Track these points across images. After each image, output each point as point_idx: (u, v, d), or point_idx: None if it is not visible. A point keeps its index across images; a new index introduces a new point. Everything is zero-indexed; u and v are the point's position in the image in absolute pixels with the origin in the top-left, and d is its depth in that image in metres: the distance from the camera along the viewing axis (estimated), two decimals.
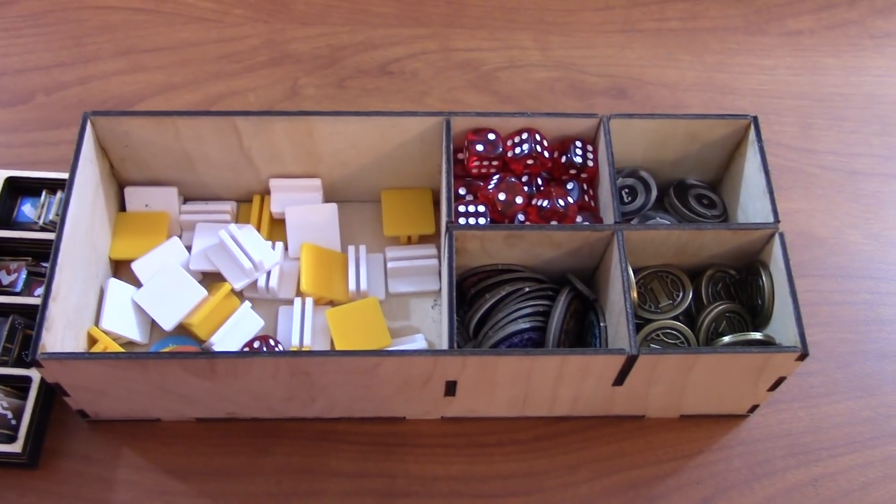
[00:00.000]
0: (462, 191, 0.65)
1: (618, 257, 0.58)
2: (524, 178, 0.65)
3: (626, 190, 0.69)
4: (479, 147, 0.64)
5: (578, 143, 0.64)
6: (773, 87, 0.82)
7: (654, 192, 0.68)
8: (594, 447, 0.64)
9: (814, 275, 0.73)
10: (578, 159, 0.64)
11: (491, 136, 0.64)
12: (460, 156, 0.65)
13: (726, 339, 0.60)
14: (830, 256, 0.73)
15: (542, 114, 0.64)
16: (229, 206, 0.70)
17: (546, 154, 0.64)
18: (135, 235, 0.68)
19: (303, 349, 0.64)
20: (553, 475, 0.63)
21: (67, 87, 0.80)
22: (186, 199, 0.71)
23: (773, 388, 0.61)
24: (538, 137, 0.64)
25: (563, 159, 0.64)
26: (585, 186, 0.65)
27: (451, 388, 0.59)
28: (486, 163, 0.64)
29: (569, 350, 0.55)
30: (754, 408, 0.65)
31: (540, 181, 0.66)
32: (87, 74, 0.80)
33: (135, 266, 0.66)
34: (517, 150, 0.63)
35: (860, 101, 0.82)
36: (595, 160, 0.64)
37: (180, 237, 0.69)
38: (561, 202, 0.62)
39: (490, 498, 0.62)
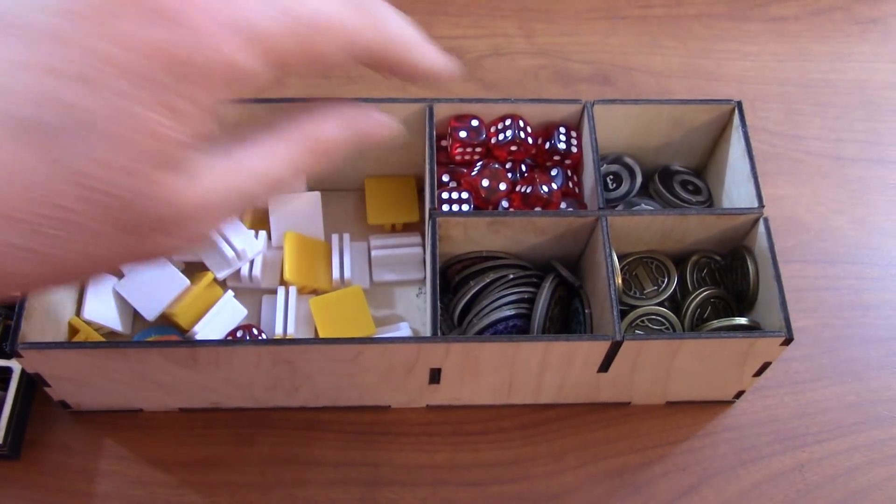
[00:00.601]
0: (445, 177, 0.64)
1: (602, 243, 0.58)
2: (508, 165, 0.65)
3: (611, 176, 0.68)
4: (462, 133, 0.63)
5: (562, 129, 0.64)
6: (758, 73, 0.82)
7: (639, 179, 0.68)
8: (580, 434, 0.64)
9: (799, 260, 0.72)
10: (562, 145, 0.63)
11: (474, 123, 0.63)
12: (444, 143, 0.65)
13: (712, 324, 0.60)
14: (816, 242, 0.73)
15: (525, 100, 0.64)
16: None
17: (529, 140, 0.64)
18: None
19: (286, 338, 0.63)
20: (538, 463, 0.63)
21: None
22: None
23: (759, 373, 0.61)
24: (521, 124, 0.63)
25: (547, 146, 0.64)
26: (570, 173, 0.64)
27: (435, 376, 0.59)
28: (469, 149, 0.64)
29: (553, 336, 0.55)
30: (740, 394, 0.65)
31: (524, 168, 0.65)
32: None
33: None
34: (501, 137, 0.63)
35: (845, 86, 0.82)
36: (579, 146, 0.64)
37: None
38: (545, 188, 0.62)
39: (475, 486, 0.62)
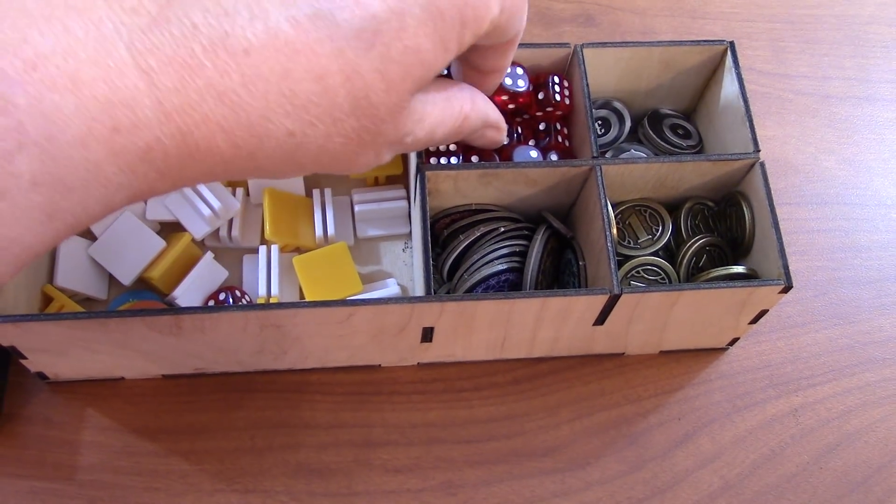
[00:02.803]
0: None
1: (597, 193, 0.56)
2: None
3: (599, 122, 0.66)
4: None
5: (554, 80, 0.61)
6: (745, 10, 0.80)
7: (629, 124, 0.66)
8: (574, 387, 0.63)
9: (789, 203, 0.71)
10: (557, 97, 0.60)
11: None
12: None
13: (708, 273, 0.59)
14: (806, 184, 0.72)
15: None
16: None
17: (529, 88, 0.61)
18: None
19: (271, 299, 0.61)
20: (533, 417, 0.62)
21: None
22: None
23: (755, 321, 0.60)
24: (520, 71, 0.60)
25: (541, 95, 0.61)
26: (558, 125, 0.62)
27: (427, 335, 0.57)
28: None
29: (550, 291, 0.53)
30: (734, 340, 0.64)
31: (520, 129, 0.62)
32: None
33: None
34: (520, 84, 0.60)
35: (832, 22, 0.80)
36: (571, 96, 0.61)
37: None
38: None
39: (470, 443, 0.61)
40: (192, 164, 0.32)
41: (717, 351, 0.65)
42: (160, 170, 0.31)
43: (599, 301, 0.54)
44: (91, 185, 0.30)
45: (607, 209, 0.55)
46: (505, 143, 0.51)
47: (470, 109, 0.44)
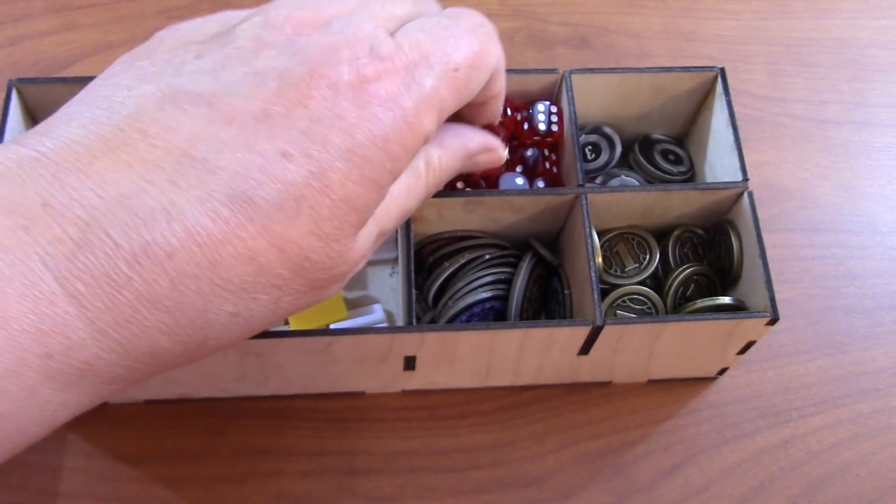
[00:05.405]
0: None
1: (582, 223, 0.55)
2: None
3: (590, 147, 0.66)
4: None
5: (542, 108, 0.60)
6: (741, 32, 0.79)
7: (619, 149, 0.66)
8: (560, 416, 0.63)
9: (783, 229, 0.70)
10: (542, 126, 0.60)
11: None
12: None
13: (695, 303, 0.58)
14: (800, 210, 0.71)
15: None
16: None
17: (515, 116, 0.60)
18: None
19: None
20: (519, 446, 0.62)
21: None
22: None
23: (743, 351, 0.59)
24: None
25: (526, 126, 0.60)
26: (546, 151, 0.61)
27: (410, 363, 0.57)
28: None
29: (531, 322, 0.53)
30: (724, 370, 0.63)
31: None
32: (15, 35, 0.75)
33: None
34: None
35: (829, 45, 0.79)
36: (560, 124, 0.61)
37: None
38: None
39: (454, 472, 0.60)
40: (140, 366, 0.32)
41: (707, 380, 0.64)
42: (106, 379, 0.32)
43: (582, 332, 0.54)
44: (27, 409, 0.30)
45: (592, 239, 0.55)
46: (504, 160, 0.50)
47: (439, 166, 0.42)
